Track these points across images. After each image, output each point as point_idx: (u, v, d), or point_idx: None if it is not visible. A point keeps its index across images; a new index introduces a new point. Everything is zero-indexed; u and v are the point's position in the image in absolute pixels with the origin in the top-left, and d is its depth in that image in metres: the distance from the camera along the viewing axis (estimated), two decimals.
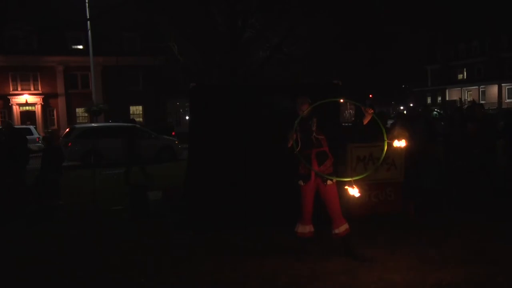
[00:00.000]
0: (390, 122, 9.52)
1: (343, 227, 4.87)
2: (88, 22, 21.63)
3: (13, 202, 7.54)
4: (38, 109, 34.75)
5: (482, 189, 7.35)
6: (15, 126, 14.21)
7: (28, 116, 34.12)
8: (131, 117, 35.64)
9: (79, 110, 34.55)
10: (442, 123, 10.77)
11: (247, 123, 6.09)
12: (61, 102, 35.06)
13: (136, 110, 37.56)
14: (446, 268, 4.56)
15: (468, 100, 46.69)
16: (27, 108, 34.57)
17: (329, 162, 4.81)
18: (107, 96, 33.01)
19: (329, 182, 4.75)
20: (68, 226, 6.93)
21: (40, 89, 34.53)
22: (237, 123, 6.13)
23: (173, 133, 24.46)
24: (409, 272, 4.46)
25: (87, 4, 22.53)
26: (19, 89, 34.03)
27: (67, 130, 17.99)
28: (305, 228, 4.94)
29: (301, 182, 4.86)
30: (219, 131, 6.10)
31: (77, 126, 19.10)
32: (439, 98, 55.86)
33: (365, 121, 4.75)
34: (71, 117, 34.98)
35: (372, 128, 4.95)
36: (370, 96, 39.83)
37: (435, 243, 5.31)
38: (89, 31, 23.53)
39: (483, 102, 41.21)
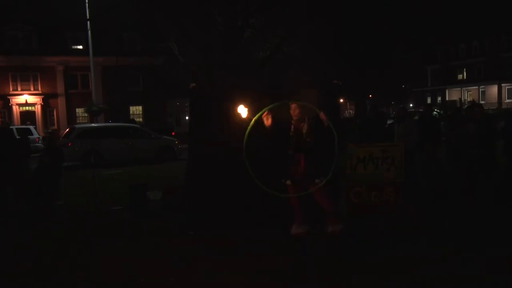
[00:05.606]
0: (389, 122, 9.54)
1: (336, 227, 4.85)
2: (88, 22, 21.65)
3: (6, 202, 7.58)
4: (38, 109, 34.76)
5: (482, 190, 7.36)
6: (12, 127, 14.21)
7: (28, 116, 34.12)
8: (131, 117, 35.71)
9: (79, 110, 34.57)
10: (442, 123, 10.77)
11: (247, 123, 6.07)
12: (61, 102, 35.07)
13: (136, 110, 37.58)
14: (446, 268, 4.56)
15: (468, 100, 46.69)
16: (27, 108, 34.58)
17: (319, 163, 4.77)
18: (107, 96, 33.02)
19: (317, 181, 4.73)
20: (68, 226, 6.93)
21: (40, 89, 34.54)
22: (237, 123, 6.11)
23: (173, 133, 24.50)
24: (409, 273, 4.46)
25: (87, 4, 22.54)
26: (19, 89, 34.05)
27: (67, 130, 18.00)
28: (299, 228, 4.94)
29: (288, 182, 4.86)
30: (219, 131, 6.10)
31: (77, 126, 19.09)
32: (439, 98, 55.88)
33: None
34: (71, 117, 35.00)
35: (372, 128, 4.95)
36: (370, 96, 39.79)
37: (435, 243, 5.31)
38: (89, 31, 23.56)
39: (483, 102, 41.26)
